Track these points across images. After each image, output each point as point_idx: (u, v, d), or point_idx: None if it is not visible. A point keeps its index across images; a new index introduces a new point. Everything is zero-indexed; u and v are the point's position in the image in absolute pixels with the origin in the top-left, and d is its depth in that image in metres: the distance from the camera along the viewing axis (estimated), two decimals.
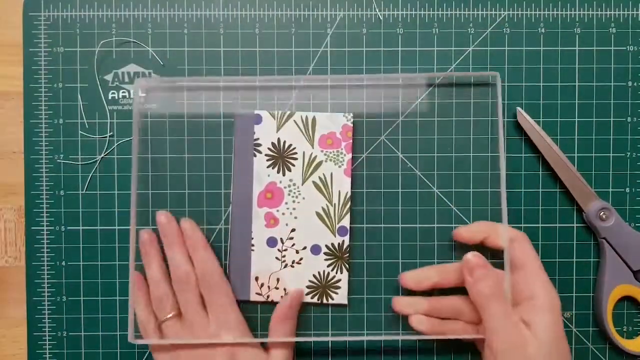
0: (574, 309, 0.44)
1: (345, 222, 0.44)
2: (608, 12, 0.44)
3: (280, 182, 0.44)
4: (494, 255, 0.43)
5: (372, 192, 0.44)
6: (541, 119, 0.44)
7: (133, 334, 0.43)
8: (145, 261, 0.42)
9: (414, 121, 0.44)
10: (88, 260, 0.44)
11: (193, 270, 0.41)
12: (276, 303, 0.44)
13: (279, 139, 0.44)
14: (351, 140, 0.44)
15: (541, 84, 0.44)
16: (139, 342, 0.43)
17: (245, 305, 0.44)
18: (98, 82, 0.44)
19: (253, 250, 0.44)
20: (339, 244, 0.44)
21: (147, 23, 0.44)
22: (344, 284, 0.44)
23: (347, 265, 0.44)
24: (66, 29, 0.44)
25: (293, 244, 0.44)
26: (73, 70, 0.44)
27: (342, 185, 0.44)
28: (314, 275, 0.44)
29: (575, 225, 0.45)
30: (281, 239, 0.44)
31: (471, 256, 0.39)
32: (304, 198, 0.44)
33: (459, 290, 0.41)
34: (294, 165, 0.44)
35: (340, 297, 0.44)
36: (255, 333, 0.44)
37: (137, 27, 0.44)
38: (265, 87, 0.44)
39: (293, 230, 0.44)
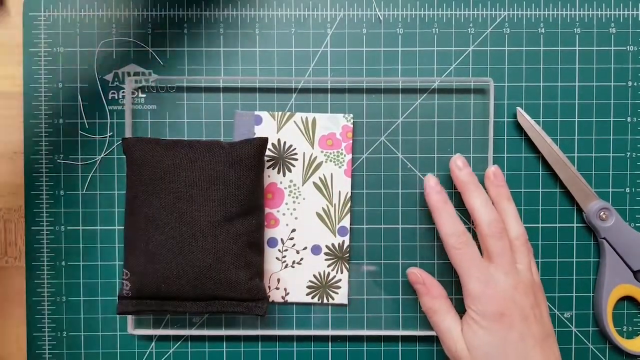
0: (574, 309, 0.44)
1: (346, 222, 0.44)
2: (608, 12, 0.44)
3: (281, 182, 0.44)
4: None
5: (372, 192, 0.44)
6: (541, 119, 0.44)
7: (133, 326, 0.43)
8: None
9: (413, 122, 0.44)
10: (88, 260, 0.44)
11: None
12: (277, 303, 0.44)
13: (279, 140, 0.44)
14: (351, 141, 0.44)
15: (541, 84, 0.44)
16: (138, 332, 0.43)
17: None
18: (98, 82, 0.44)
19: None
20: (339, 244, 0.44)
21: (147, 23, 0.44)
22: (344, 284, 0.44)
23: (347, 266, 0.44)
24: (66, 29, 0.44)
25: (293, 244, 0.44)
26: (73, 70, 0.44)
27: (342, 185, 0.44)
28: (314, 276, 0.44)
29: (575, 225, 0.45)
30: (281, 239, 0.44)
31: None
32: (304, 198, 0.44)
33: None
34: (294, 165, 0.44)
35: (341, 297, 0.44)
36: (256, 333, 0.44)
37: (137, 27, 0.44)
38: (266, 88, 0.44)
39: (293, 230, 0.44)
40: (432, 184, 0.41)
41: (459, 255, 0.39)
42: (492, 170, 0.41)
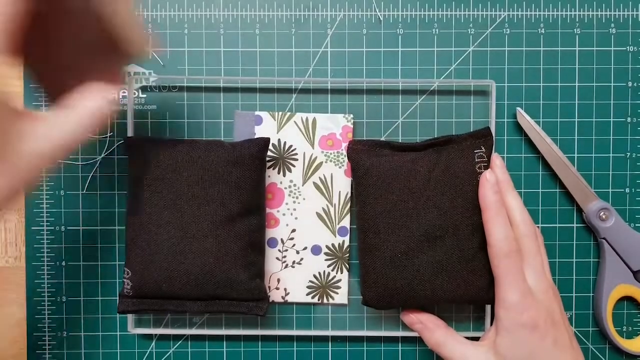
0: (574, 309, 0.45)
1: (346, 222, 0.44)
2: (608, 12, 0.44)
3: (281, 182, 0.44)
4: None
5: None
6: (541, 119, 0.44)
7: (133, 325, 0.43)
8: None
9: (413, 122, 0.44)
10: (88, 260, 0.44)
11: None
12: (277, 303, 0.44)
13: (279, 140, 0.44)
14: None
15: (541, 84, 0.44)
16: (138, 331, 0.43)
17: None
18: None
19: None
20: (339, 244, 0.44)
21: (147, 23, 0.44)
22: (344, 284, 0.44)
23: (347, 266, 0.44)
24: None
25: (293, 245, 0.44)
26: None
27: (343, 186, 0.44)
28: (315, 276, 0.44)
29: (575, 225, 0.45)
30: (282, 239, 0.44)
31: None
32: (304, 199, 0.44)
33: None
34: (294, 166, 0.44)
35: (341, 297, 0.44)
36: (256, 333, 0.44)
37: None
38: (266, 88, 0.44)
39: (293, 230, 0.44)
40: (492, 181, 0.38)
41: (508, 263, 0.36)
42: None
